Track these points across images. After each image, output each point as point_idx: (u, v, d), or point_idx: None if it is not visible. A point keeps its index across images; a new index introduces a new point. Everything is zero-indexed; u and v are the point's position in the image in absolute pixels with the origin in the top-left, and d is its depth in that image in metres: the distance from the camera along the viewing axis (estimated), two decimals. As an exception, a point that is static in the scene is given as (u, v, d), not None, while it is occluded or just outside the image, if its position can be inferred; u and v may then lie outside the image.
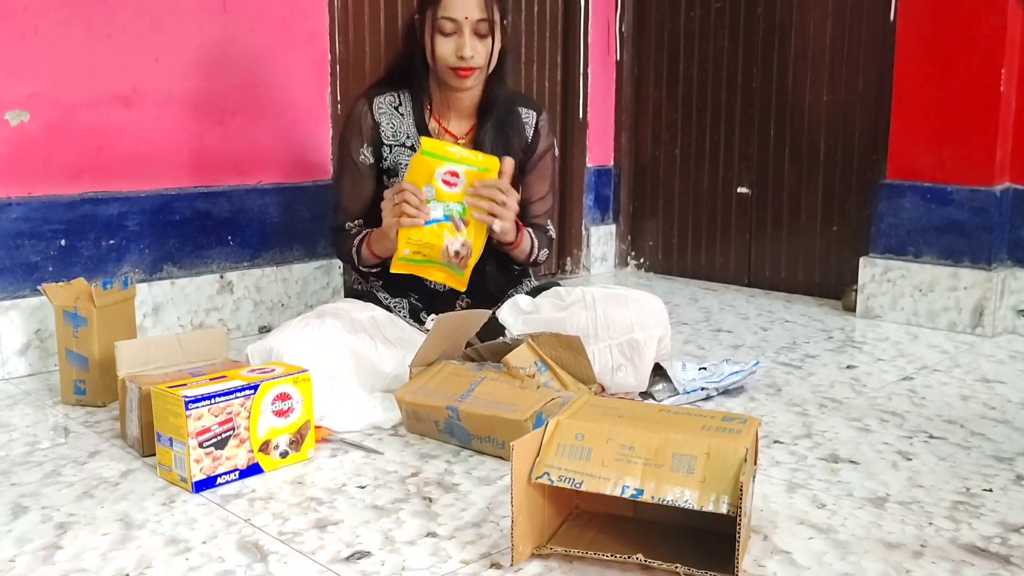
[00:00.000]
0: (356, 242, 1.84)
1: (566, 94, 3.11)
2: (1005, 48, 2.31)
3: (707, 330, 2.45)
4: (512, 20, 1.90)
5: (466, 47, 1.72)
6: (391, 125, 1.84)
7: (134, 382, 1.53)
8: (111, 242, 2.10)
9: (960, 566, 1.16)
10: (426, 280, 1.87)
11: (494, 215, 1.69)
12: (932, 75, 2.42)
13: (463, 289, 1.76)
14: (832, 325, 2.51)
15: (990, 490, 1.40)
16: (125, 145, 2.10)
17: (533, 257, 1.89)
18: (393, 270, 1.73)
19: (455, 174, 1.68)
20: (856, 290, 2.59)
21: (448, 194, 1.68)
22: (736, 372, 1.87)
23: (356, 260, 1.86)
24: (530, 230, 1.87)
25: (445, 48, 1.74)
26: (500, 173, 1.70)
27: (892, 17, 2.54)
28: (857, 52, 2.71)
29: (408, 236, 1.68)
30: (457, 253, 1.69)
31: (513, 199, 1.72)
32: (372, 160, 1.85)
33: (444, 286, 1.80)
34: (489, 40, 1.75)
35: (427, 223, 1.68)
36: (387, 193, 1.71)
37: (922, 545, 1.22)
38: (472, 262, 1.72)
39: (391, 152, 1.84)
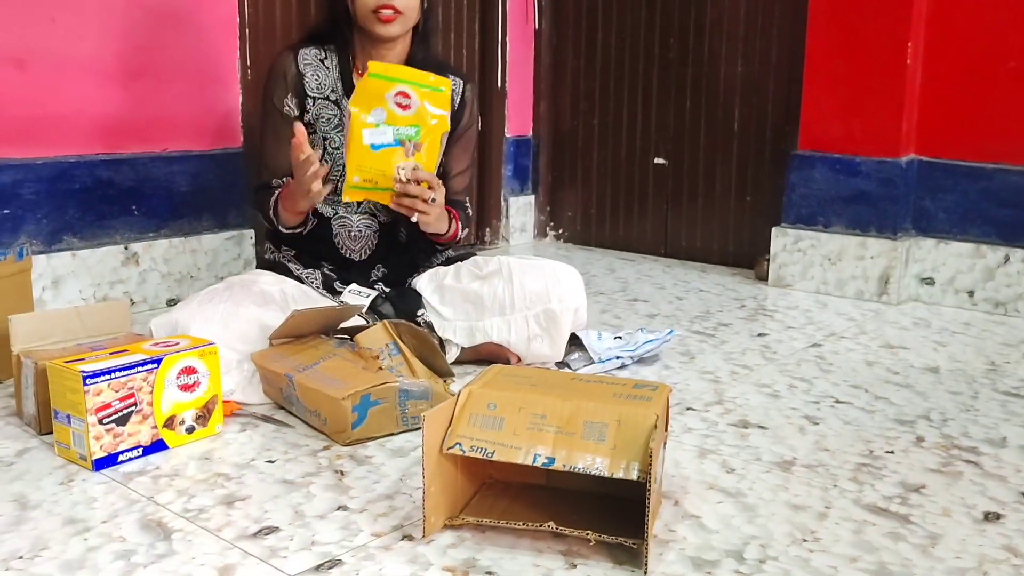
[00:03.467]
0: (272, 202, 1.78)
1: (484, 63, 3.08)
2: (912, 22, 2.36)
3: (624, 300, 2.46)
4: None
5: None
6: (316, 77, 1.80)
7: (30, 357, 1.46)
8: (5, 211, 2.00)
9: (862, 526, 1.19)
10: (340, 249, 1.84)
11: (418, 210, 1.65)
12: (842, 48, 2.46)
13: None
14: (745, 294, 2.55)
15: (892, 452, 1.44)
16: (19, 110, 2.00)
17: (457, 239, 1.88)
18: (345, 198, 1.65)
19: (406, 95, 1.60)
20: (768, 259, 2.63)
21: (400, 117, 1.60)
22: (651, 341, 1.89)
23: (276, 220, 1.80)
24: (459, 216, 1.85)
25: None
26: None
27: (804, -11, 2.57)
28: (771, 24, 2.74)
29: (359, 163, 1.60)
30: (409, 182, 1.62)
31: (441, 194, 1.68)
32: (296, 112, 1.80)
33: (360, 256, 1.85)
34: None
35: (377, 147, 1.60)
36: (294, 152, 1.62)
37: (827, 507, 1.25)
38: (424, 186, 1.65)
39: (314, 105, 1.80)
